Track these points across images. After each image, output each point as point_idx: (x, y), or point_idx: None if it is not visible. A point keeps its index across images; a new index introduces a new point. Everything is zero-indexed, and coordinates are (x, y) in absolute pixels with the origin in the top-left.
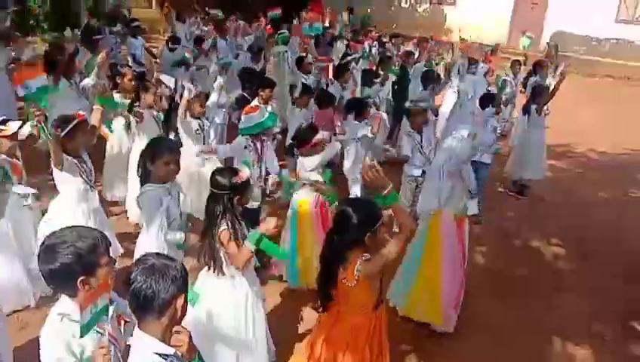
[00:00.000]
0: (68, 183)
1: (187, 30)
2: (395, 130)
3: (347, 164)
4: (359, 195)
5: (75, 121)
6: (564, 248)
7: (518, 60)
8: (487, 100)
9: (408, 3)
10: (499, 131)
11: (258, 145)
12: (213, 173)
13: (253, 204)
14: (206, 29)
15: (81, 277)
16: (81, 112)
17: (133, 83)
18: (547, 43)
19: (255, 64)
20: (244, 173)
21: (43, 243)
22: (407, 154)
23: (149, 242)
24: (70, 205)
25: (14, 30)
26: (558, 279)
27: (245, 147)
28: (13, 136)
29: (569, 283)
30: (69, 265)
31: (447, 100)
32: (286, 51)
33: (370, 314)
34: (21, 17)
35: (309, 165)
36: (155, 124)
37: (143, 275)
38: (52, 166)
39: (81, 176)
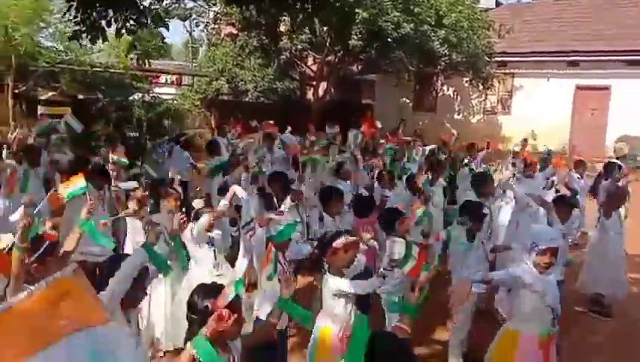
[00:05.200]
0: None
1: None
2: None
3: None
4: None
5: (45, 244)
6: None
7: (582, 160)
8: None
9: (462, 115)
10: (570, 241)
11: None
12: (195, 287)
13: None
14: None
15: None
16: (50, 232)
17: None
18: (615, 143)
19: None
20: (224, 297)
21: None
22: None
23: None
24: None
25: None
26: None
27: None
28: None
29: None
30: None
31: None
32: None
33: None
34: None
35: (333, 287)
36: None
37: None
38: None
39: None
